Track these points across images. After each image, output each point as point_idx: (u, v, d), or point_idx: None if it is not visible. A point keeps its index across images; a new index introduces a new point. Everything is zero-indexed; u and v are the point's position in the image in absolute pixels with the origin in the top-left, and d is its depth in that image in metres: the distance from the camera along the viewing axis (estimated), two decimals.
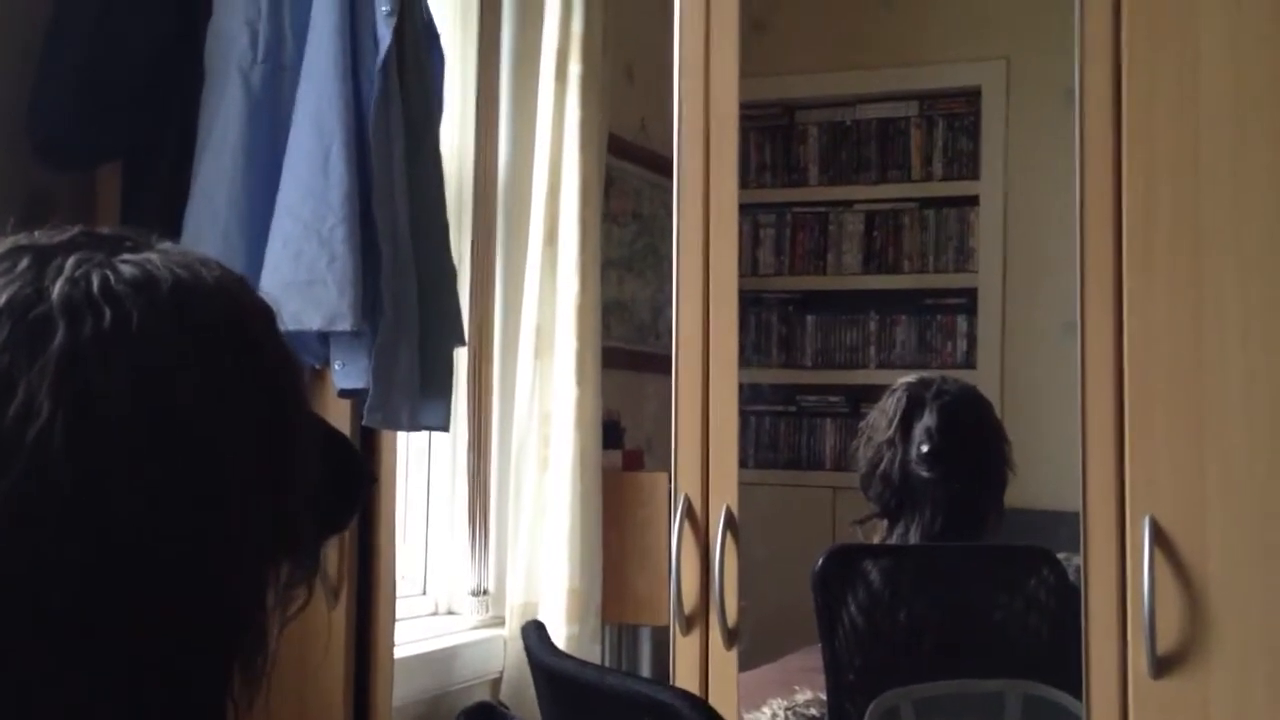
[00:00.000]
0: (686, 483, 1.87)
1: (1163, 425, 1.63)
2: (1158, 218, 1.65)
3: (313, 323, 1.77)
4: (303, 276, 1.76)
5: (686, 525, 1.86)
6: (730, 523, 1.85)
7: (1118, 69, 1.68)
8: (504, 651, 2.74)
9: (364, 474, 0.99)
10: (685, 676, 1.86)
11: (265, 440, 0.77)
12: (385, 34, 1.85)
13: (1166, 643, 1.60)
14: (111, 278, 0.74)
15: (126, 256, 0.76)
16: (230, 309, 0.79)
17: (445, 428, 2.03)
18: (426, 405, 1.93)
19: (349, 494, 0.96)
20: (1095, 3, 1.70)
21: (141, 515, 0.71)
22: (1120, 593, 1.63)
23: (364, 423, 1.85)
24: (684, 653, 1.86)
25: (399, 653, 2.36)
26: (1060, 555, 2.09)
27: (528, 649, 1.40)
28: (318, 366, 1.90)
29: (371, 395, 1.83)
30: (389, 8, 1.86)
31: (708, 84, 1.90)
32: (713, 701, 1.84)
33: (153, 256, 0.77)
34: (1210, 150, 1.63)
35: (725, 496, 1.86)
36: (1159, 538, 1.61)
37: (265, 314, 0.83)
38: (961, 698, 2.12)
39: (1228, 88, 1.63)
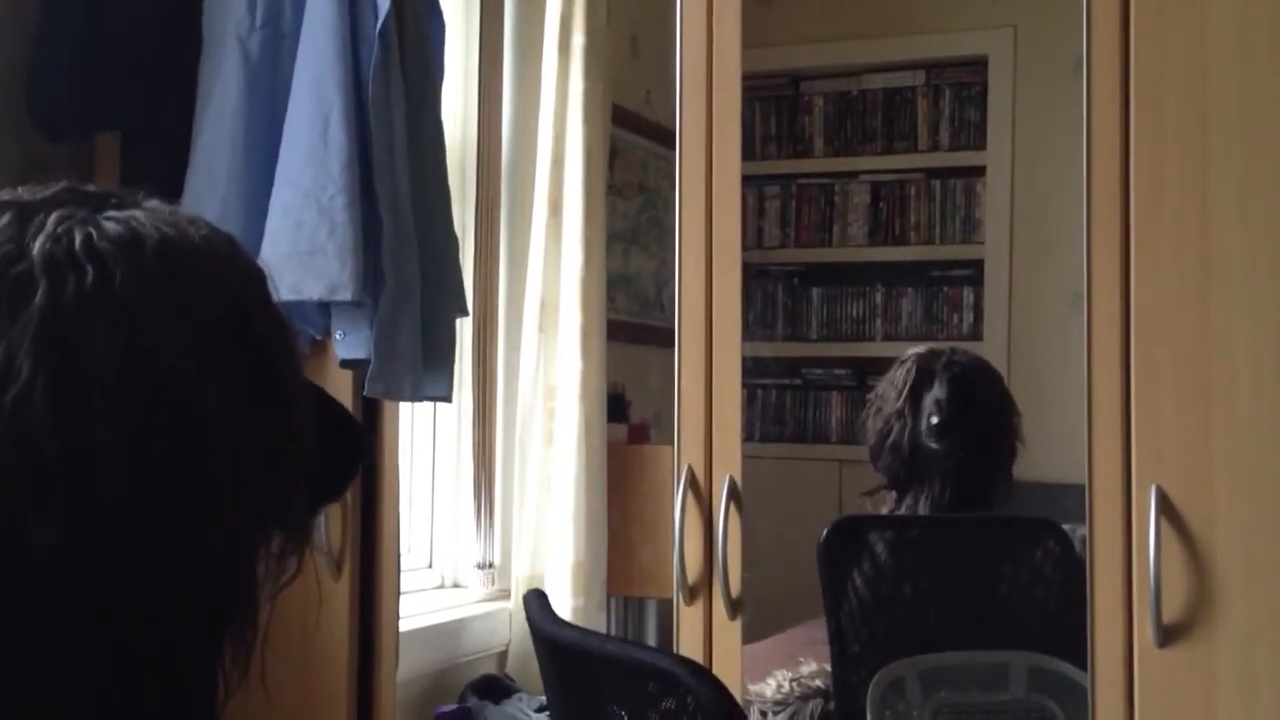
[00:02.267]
0: (690, 453, 1.87)
1: (1169, 395, 1.62)
2: (1165, 189, 1.63)
3: (313, 293, 1.76)
4: (303, 246, 1.75)
5: (690, 495, 1.85)
6: (734, 493, 1.84)
7: (1126, 38, 1.66)
8: (510, 624, 2.74)
9: (361, 443, 0.96)
10: (689, 647, 1.85)
11: (256, 405, 0.75)
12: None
13: (1172, 612, 1.59)
14: (95, 235, 0.71)
15: (111, 214, 0.74)
16: (219, 269, 0.77)
17: (448, 398, 2.02)
18: (429, 375, 1.92)
19: (345, 464, 0.94)
20: None
21: (125, 481, 0.69)
22: (1126, 562, 1.63)
23: (366, 393, 1.84)
24: (687, 623, 1.86)
25: (405, 625, 2.35)
26: (1066, 526, 2.08)
27: (529, 618, 1.39)
28: (319, 337, 1.89)
29: (373, 366, 1.82)
30: None
31: (710, 54, 1.89)
32: (717, 671, 1.84)
33: (138, 214, 0.75)
34: (1218, 121, 1.62)
35: (729, 467, 1.85)
36: (1165, 507, 1.60)
37: (256, 275, 0.80)
38: (966, 669, 2.12)
39: (1236, 58, 1.62)
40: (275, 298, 0.82)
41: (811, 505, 2.59)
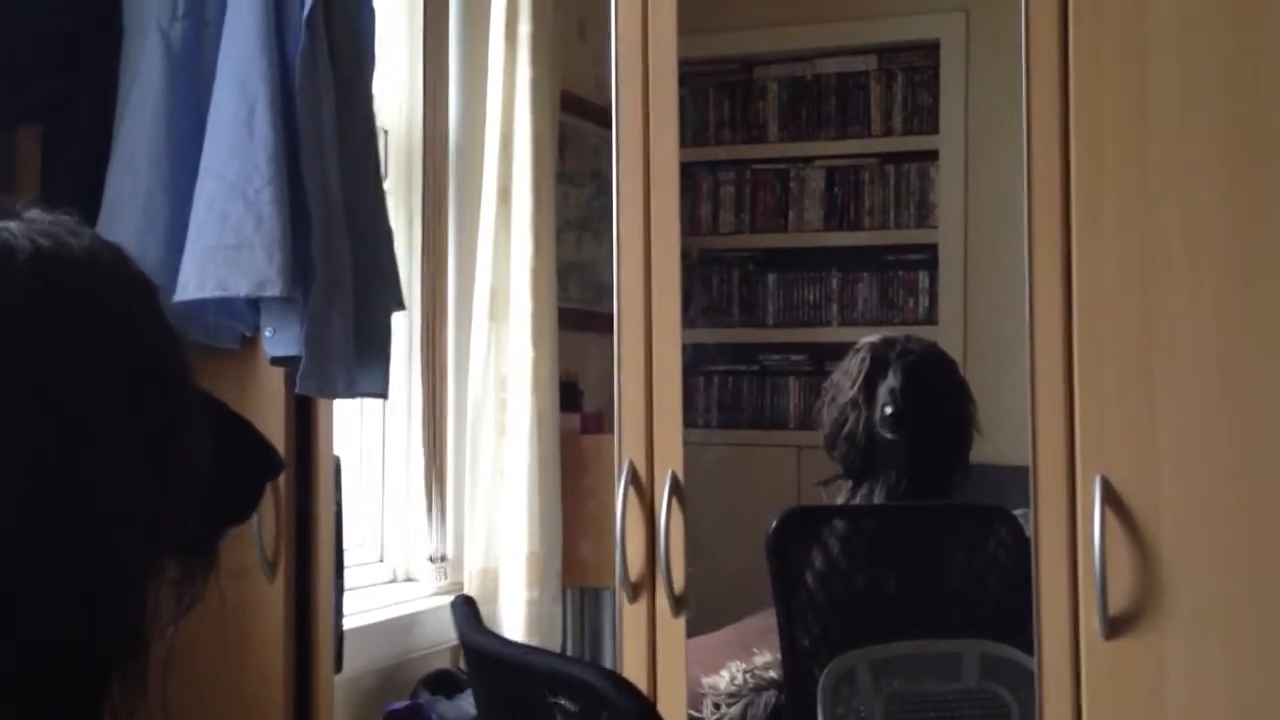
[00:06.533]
0: (631, 448, 1.83)
1: (1113, 385, 1.60)
2: (1105, 177, 1.61)
3: (240, 289, 1.71)
4: (229, 240, 1.70)
5: (631, 492, 1.82)
6: (676, 489, 1.81)
7: (1064, 20, 1.64)
8: None
9: (268, 462, 0.92)
10: (632, 645, 1.82)
11: (140, 423, 0.72)
12: None
13: (1118, 603, 1.58)
14: None
15: None
16: (100, 281, 0.74)
17: (384, 394, 1.98)
18: (363, 372, 1.88)
19: (250, 484, 0.91)
20: None
21: None
22: (1071, 553, 1.61)
23: (297, 390, 1.80)
24: (631, 621, 1.83)
25: (355, 621, 2.33)
26: (1019, 512, 2.06)
27: (456, 626, 1.36)
28: (248, 334, 1.85)
29: (304, 362, 1.77)
30: None
31: (645, 39, 1.85)
32: (661, 669, 1.82)
33: (11, 225, 0.72)
34: (1158, 104, 1.60)
35: (670, 462, 1.82)
36: (1110, 497, 1.58)
37: (143, 286, 0.77)
38: (919, 659, 2.10)
39: (1175, 39, 1.60)
40: (173, 299, 0.79)
41: (769, 492, 2.59)
